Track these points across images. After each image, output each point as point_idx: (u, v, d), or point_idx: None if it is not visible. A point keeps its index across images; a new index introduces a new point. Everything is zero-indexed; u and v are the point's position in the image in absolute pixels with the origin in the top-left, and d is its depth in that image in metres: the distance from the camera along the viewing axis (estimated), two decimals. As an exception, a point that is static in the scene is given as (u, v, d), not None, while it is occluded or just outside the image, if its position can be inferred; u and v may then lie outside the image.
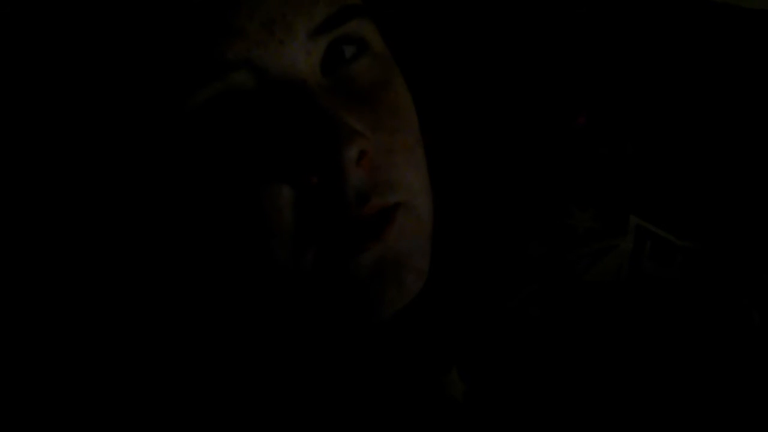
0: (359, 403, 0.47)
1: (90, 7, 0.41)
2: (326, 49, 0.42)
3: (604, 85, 0.57)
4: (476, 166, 0.54)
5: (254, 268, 0.41)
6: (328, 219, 0.40)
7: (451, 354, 0.48)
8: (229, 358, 0.47)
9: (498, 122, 0.56)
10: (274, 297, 0.43)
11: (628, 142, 0.54)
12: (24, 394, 0.46)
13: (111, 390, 0.46)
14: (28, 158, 0.47)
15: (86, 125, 0.44)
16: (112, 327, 0.47)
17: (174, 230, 0.43)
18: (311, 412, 0.46)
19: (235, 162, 0.40)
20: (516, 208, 0.52)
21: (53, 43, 0.43)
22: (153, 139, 0.41)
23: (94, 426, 0.45)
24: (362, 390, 0.47)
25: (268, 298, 0.43)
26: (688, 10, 0.58)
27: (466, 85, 0.56)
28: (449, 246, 0.49)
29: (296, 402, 0.47)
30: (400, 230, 0.41)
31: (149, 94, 0.40)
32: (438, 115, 0.50)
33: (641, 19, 0.58)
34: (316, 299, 0.42)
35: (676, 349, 0.47)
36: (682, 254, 0.52)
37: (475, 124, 0.56)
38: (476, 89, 0.57)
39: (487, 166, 0.54)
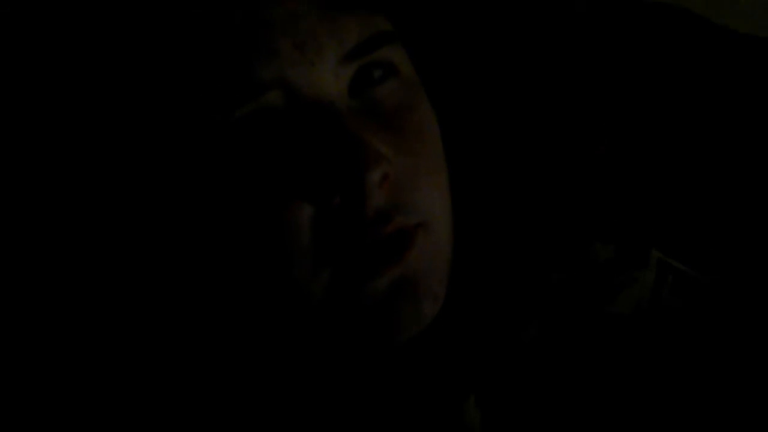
0: (374, 429, 0.46)
1: (131, 25, 0.43)
2: (355, 73, 0.42)
3: (626, 115, 0.57)
4: (498, 193, 0.54)
5: (270, 284, 0.42)
6: (346, 239, 0.40)
7: (469, 382, 0.47)
8: (240, 376, 0.47)
9: (521, 150, 0.56)
10: (289, 316, 0.43)
11: (653, 172, 0.54)
12: (24, 396, 0.46)
13: (119, 407, 0.46)
14: (59, 163, 0.48)
15: (120, 135, 0.44)
16: (124, 337, 0.47)
17: (195, 240, 0.43)
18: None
19: (259, 177, 0.41)
20: (537, 236, 0.52)
21: (93, 56, 0.44)
22: (184, 152, 0.42)
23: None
24: (377, 417, 0.46)
25: (282, 317, 0.43)
26: (711, 43, 0.58)
27: (490, 111, 0.57)
28: (468, 272, 0.49)
29: (310, 426, 0.46)
30: (418, 253, 0.41)
31: (186, 110, 0.41)
32: (461, 141, 0.50)
33: (666, 50, 0.59)
34: (330, 320, 0.42)
35: (696, 385, 0.47)
36: (704, 290, 0.51)
37: (498, 151, 0.56)
38: (500, 116, 0.57)
39: (509, 194, 0.54)
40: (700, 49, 0.59)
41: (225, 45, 0.40)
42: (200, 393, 0.46)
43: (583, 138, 0.56)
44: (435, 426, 0.46)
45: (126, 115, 0.44)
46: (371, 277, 0.41)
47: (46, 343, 0.47)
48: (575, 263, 0.50)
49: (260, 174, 0.41)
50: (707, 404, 0.46)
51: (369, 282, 0.41)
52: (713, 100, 0.58)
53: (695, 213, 0.54)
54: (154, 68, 0.42)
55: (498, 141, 0.56)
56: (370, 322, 0.41)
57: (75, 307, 0.48)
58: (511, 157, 0.56)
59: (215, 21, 0.40)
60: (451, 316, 0.45)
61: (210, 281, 0.44)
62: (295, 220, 0.40)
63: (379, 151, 0.40)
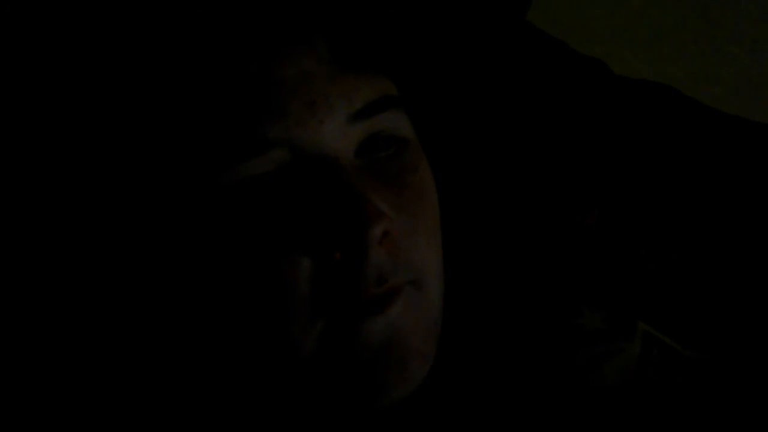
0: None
1: (143, 70, 0.43)
2: (362, 139, 0.43)
3: (618, 187, 0.58)
4: (491, 257, 0.55)
5: (262, 334, 0.41)
6: (343, 294, 0.40)
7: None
8: (223, 427, 0.46)
9: (514, 216, 0.57)
10: (277, 368, 0.42)
11: (641, 245, 0.55)
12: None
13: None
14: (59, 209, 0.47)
15: (122, 184, 0.44)
16: (114, 384, 0.46)
17: (191, 289, 0.43)
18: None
19: (259, 230, 0.41)
20: (527, 303, 0.52)
21: (103, 105, 0.45)
22: (185, 202, 0.42)
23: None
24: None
25: (270, 368, 0.43)
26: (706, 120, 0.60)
27: (485, 176, 0.58)
28: (458, 337, 0.49)
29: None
30: (405, 305, 0.41)
31: (189, 161, 0.41)
32: (457, 202, 0.51)
33: (656, 126, 0.60)
34: (318, 375, 0.42)
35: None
36: (687, 365, 0.52)
37: (492, 215, 0.57)
38: (495, 181, 0.58)
39: (501, 258, 0.55)
40: (688, 126, 0.61)
41: (234, 99, 0.41)
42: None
43: (575, 207, 0.57)
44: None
45: (129, 164, 0.44)
46: (361, 323, 0.40)
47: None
48: (563, 331, 0.51)
49: (261, 226, 0.41)
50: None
51: (358, 329, 0.40)
52: (699, 175, 0.59)
53: (682, 286, 0.55)
54: (161, 116, 0.42)
55: (492, 205, 0.57)
56: (357, 377, 0.41)
57: (64, 365, 0.47)
58: (504, 222, 0.56)
59: (227, 74, 0.41)
60: (440, 382, 0.45)
61: (202, 328, 0.44)
62: (295, 272, 0.40)
63: (380, 208, 0.40)
